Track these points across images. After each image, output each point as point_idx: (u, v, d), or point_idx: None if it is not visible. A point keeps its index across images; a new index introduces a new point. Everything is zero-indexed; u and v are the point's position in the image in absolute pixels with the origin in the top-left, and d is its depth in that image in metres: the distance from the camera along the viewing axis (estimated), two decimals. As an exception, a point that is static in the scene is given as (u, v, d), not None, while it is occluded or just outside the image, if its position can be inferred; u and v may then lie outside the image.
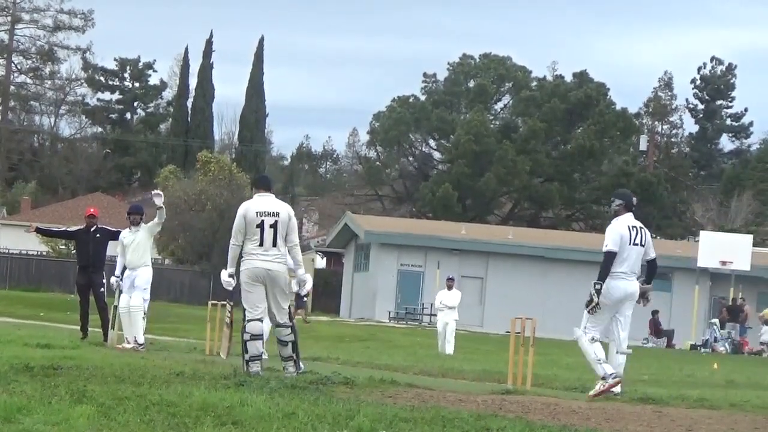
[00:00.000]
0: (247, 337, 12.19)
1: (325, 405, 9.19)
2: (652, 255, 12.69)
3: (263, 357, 12.67)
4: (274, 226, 12.23)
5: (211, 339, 17.52)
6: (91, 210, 19.29)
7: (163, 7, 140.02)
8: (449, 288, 26.97)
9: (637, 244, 12.45)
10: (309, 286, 12.58)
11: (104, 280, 18.55)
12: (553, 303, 45.14)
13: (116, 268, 17.56)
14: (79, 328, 19.10)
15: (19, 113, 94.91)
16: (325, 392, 10.42)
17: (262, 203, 12.41)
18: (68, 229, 19.26)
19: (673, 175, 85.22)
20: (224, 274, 12.49)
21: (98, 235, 18.62)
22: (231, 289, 12.59)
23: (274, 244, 12.22)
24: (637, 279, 12.59)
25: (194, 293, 51.84)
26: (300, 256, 12.57)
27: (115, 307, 17.52)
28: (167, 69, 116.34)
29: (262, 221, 12.24)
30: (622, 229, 12.47)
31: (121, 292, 17.41)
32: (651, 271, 12.87)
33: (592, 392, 12.25)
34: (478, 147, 74.52)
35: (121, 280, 17.36)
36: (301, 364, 12.65)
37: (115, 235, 18.63)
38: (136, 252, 17.30)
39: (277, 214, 12.28)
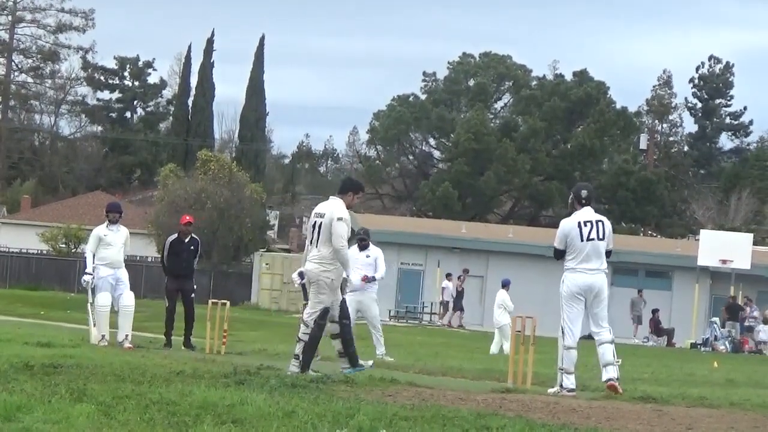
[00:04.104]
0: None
1: (326, 403, 9.19)
2: (610, 247, 12.72)
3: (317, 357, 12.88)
4: (319, 227, 12.46)
5: (211, 338, 17.52)
6: (188, 218, 19.38)
7: (163, 6, 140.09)
8: (507, 290, 27.08)
9: (592, 239, 12.46)
10: (352, 286, 12.65)
11: (195, 287, 19.02)
12: (554, 302, 44.99)
13: (87, 264, 17.43)
14: (163, 334, 18.90)
15: (20, 112, 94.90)
16: (326, 391, 10.42)
17: (320, 205, 12.76)
18: (165, 248, 19.04)
19: (673, 174, 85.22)
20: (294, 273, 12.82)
21: (192, 247, 18.81)
22: (297, 285, 12.81)
23: (317, 245, 12.47)
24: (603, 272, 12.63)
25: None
26: (342, 258, 12.47)
27: (91, 304, 17.47)
28: (167, 68, 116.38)
29: (314, 222, 12.57)
30: (572, 224, 12.60)
31: (93, 289, 17.37)
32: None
33: (550, 390, 12.49)
34: (478, 146, 74.50)
35: (93, 277, 17.35)
36: (311, 371, 12.53)
37: (198, 249, 19.04)
38: (119, 251, 17.34)
39: (323, 216, 12.50)
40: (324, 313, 12.50)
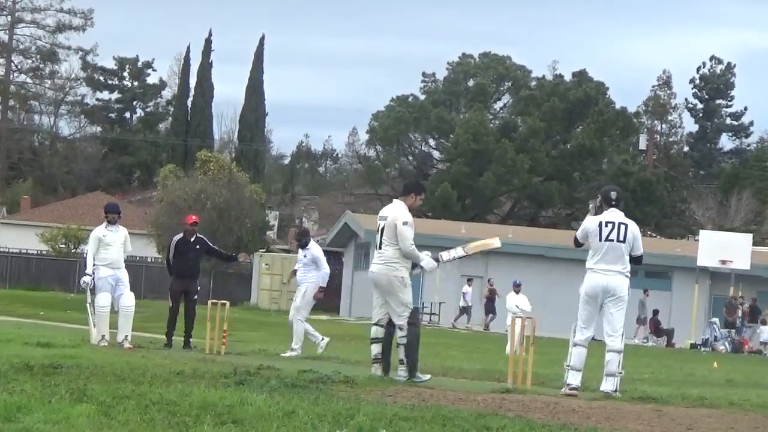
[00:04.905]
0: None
1: (326, 404, 9.19)
2: (638, 252, 12.63)
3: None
4: (382, 229, 12.55)
5: (211, 338, 17.53)
6: (194, 217, 19.26)
7: (163, 6, 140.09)
8: (517, 292, 27.02)
9: (611, 240, 12.46)
10: (425, 268, 12.62)
11: (199, 288, 18.96)
12: (553, 302, 45.08)
13: (87, 265, 17.41)
14: (164, 335, 18.93)
15: (19, 113, 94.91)
16: (326, 391, 10.41)
17: (384, 209, 12.86)
18: (170, 248, 18.85)
19: (672, 175, 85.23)
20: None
21: (198, 246, 18.76)
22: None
23: (380, 247, 12.57)
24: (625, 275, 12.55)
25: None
26: (413, 257, 12.53)
27: (90, 305, 17.45)
28: (166, 68, 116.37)
29: (378, 225, 12.66)
30: (593, 223, 12.61)
31: (92, 290, 17.37)
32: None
33: (561, 390, 12.48)
34: (477, 146, 74.50)
35: (93, 278, 17.32)
36: (420, 375, 12.56)
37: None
38: (119, 251, 17.38)
39: (386, 219, 12.56)
40: (414, 312, 12.57)
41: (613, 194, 12.71)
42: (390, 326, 12.73)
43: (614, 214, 12.57)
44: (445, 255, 13.14)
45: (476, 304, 47.24)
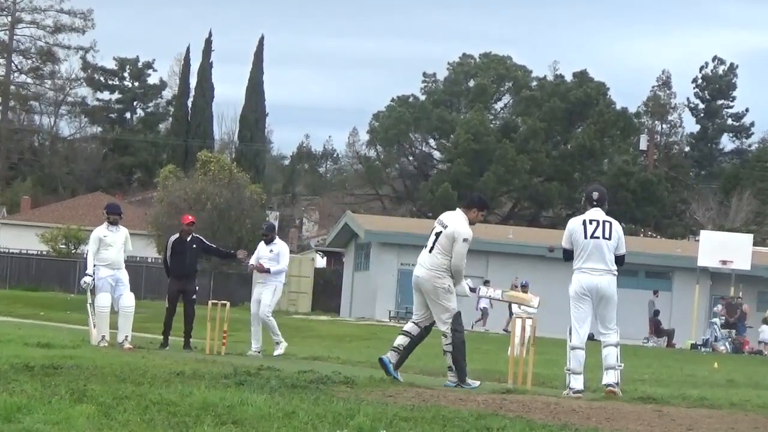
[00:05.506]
0: None
1: (326, 404, 9.18)
2: (622, 251, 12.59)
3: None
4: (438, 234, 12.49)
5: (211, 338, 17.53)
6: (190, 217, 19.27)
7: (163, 6, 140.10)
8: (524, 293, 26.95)
9: (596, 237, 12.41)
10: (458, 292, 12.59)
11: (197, 288, 18.96)
12: (553, 302, 44.96)
13: (88, 266, 17.42)
14: (161, 334, 18.99)
15: (19, 113, 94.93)
16: (326, 391, 10.41)
17: (445, 214, 12.77)
18: (167, 248, 18.90)
19: (673, 175, 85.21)
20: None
21: (194, 246, 18.72)
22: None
23: (430, 251, 12.50)
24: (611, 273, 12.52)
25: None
26: (458, 276, 12.52)
27: (90, 305, 17.45)
28: (167, 68, 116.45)
29: (434, 227, 12.61)
30: (576, 224, 12.60)
31: (92, 290, 17.37)
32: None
33: (564, 392, 12.45)
34: (477, 146, 74.49)
35: (93, 278, 17.31)
36: (470, 381, 12.56)
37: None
38: (119, 252, 17.38)
39: (446, 227, 12.48)
40: (457, 316, 12.49)
41: (595, 194, 12.70)
42: (425, 330, 12.69)
43: (596, 213, 12.57)
44: (483, 290, 13.22)
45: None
